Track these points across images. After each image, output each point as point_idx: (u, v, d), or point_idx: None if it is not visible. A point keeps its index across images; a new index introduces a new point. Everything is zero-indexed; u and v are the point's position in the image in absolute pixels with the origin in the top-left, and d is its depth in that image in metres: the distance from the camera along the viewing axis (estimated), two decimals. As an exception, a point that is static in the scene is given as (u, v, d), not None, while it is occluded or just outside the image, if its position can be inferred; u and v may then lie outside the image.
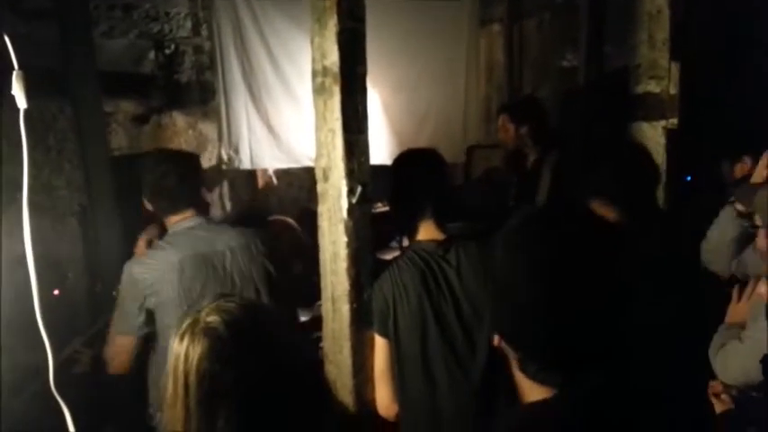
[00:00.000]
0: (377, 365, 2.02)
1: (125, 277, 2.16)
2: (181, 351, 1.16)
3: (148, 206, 2.28)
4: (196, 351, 1.14)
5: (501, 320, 1.04)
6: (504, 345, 1.04)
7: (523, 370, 1.02)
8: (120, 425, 2.52)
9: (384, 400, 2.01)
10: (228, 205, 4.29)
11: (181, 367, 1.15)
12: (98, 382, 2.18)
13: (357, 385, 2.05)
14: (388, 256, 3.07)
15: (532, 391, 1.02)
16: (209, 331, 1.16)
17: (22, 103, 1.23)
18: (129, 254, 2.46)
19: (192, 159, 2.39)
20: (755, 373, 1.78)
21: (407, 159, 2.17)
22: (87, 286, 3.21)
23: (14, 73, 1.21)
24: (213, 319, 1.18)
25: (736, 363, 1.86)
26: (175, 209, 2.24)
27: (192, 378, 1.13)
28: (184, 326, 1.20)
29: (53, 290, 2.90)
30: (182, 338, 1.17)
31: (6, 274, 1.76)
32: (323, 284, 2.11)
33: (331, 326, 2.08)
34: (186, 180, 2.23)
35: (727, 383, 1.88)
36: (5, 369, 1.80)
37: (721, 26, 3.16)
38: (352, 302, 2.01)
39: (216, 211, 4.10)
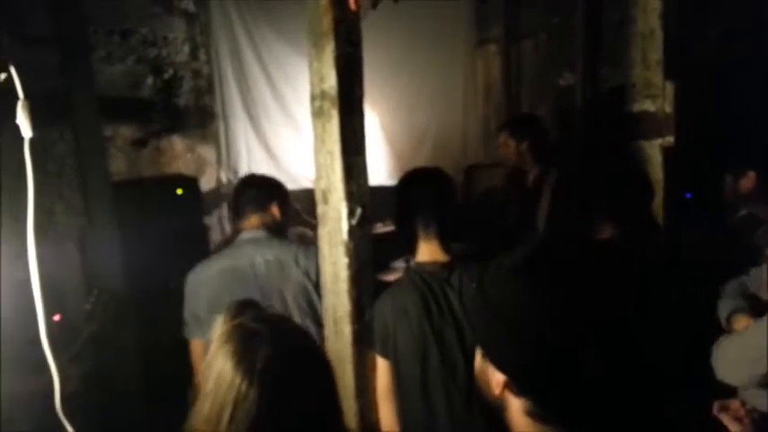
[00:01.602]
0: (379, 386, 2.01)
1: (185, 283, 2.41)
2: (236, 383, 1.11)
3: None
4: (254, 393, 1.11)
5: (510, 362, 0.97)
6: (506, 391, 0.98)
7: (532, 414, 0.96)
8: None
9: (387, 420, 2.00)
10: (228, 227, 4.29)
11: (231, 396, 1.11)
12: (100, 404, 2.17)
13: (360, 407, 2.04)
14: (389, 277, 3.06)
15: None
16: (268, 368, 1.12)
17: (27, 132, 1.24)
18: (127, 277, 2.50)
19: (263, 179, 2.66)
20: (755, 366, 1.73)
21: (413, 178, 2.15)
22: (86, 311, 3.20)
23: (19, 102, 1.22)
24: (273, 357, 1.14)
25: (731, 353, 1.82)
26: (238, 215, 2.50)
27: (241, 416, 1.10)
28: (239, 355, 1.14)
29: (52, 315, 2.88)
30: (236, 369, 1.12)
31: (6, 299, 1.77)
32: (324, 306, 2.11)
33: (333, 347, 2.08)
34: (250, 190, 2.52)
35: (726, 382, 1.84)
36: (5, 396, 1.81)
37: (716, 42, 3.20)
38: (353, 323, 2.00)
39: (216, 235, 4.11)
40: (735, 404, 1.86)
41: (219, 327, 1.22)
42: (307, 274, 2.37)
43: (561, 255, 0.99)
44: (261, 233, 2.44)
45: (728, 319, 2.02)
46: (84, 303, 3.20)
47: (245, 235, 2.46)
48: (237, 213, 2.52)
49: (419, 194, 2.06)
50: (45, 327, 1.32)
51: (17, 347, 1.75)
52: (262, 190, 2.54)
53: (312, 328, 2.31)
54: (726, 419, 1.83)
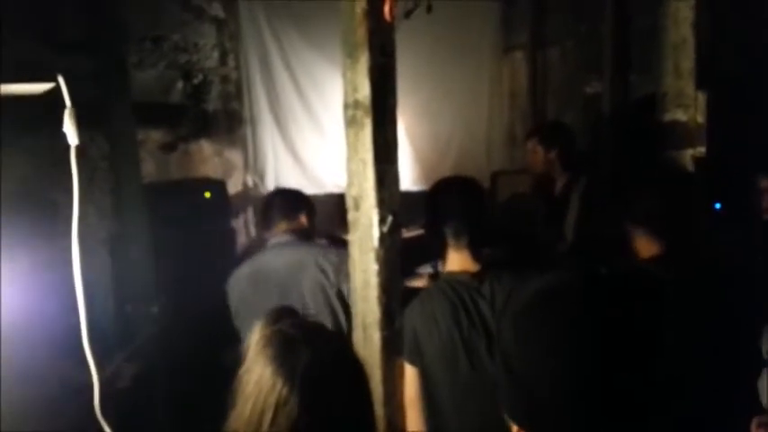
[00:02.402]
0: (407, 393, 2.01)
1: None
2: (277, 387, 1.13)
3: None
4: (295, 397, 1.12)
5: (512, 408, 0.92)
6: None
7: None
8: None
9: (413, 426, 2.01)
10: (254, 231, 4.34)
11: (272, 400, 1.13)
12: (138, 402, 2.23)
13: (388, 414, 2.04)
14: (414, 283, 3.06)
15: None
16: (308, 373, 1.14)
17: (73, 139, 1.26)
18: (159, 282, 2.57)
19: (292, 191, 2.86)
20: None
21: (445, 186, 2.14)
22: (116, 315, 3.24)
23: (66, 111, 1.24)
24: (313, 362, 1.16)
25: None
26: (267, 225, 2.68)
27: (282, 420, 1.12)
28: (280, 360, 1.16)
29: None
30: (277, 373, 1.14)
31: (46, 300, 1.80)
32: (354, 312, 2.12)
33: (362, 353, 2.08)
34: (280, 201, 2.70)
35: None
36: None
37: (749, 52, 3.16)
38: (383, 330, 2.00)
39: (242, 238, 4.14)
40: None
41: (257, 332, 1.24)
42: (324, 273, 2.49)
43: (570, 298, 0.90)
44: (286, 238, 2.60)
45: None
46: (113, 306, 3.26)
47: (272, 240, 2.64)
48: (267, 222, 2.69)
49: (451, 203, 2.06)
50: (86, 328, 1.34)
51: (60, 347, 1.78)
52: (291, 200, 2.73)
53: (329, 324, 2.42)
54: None
